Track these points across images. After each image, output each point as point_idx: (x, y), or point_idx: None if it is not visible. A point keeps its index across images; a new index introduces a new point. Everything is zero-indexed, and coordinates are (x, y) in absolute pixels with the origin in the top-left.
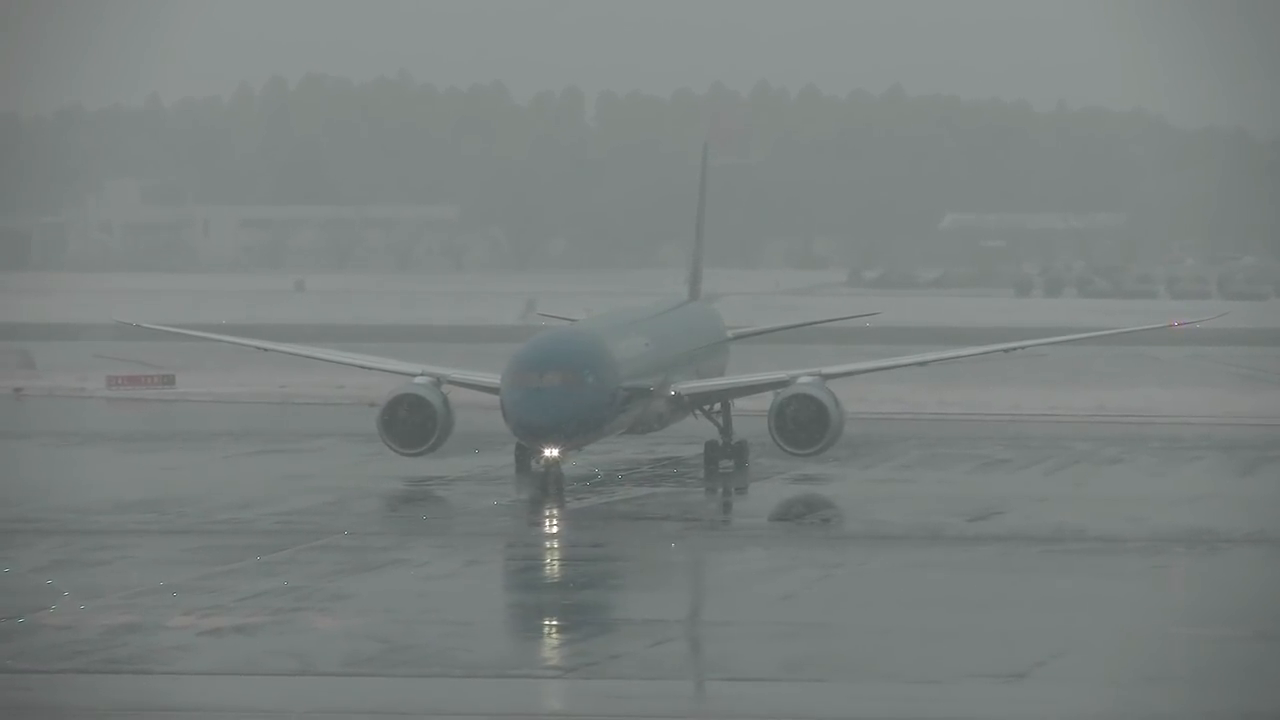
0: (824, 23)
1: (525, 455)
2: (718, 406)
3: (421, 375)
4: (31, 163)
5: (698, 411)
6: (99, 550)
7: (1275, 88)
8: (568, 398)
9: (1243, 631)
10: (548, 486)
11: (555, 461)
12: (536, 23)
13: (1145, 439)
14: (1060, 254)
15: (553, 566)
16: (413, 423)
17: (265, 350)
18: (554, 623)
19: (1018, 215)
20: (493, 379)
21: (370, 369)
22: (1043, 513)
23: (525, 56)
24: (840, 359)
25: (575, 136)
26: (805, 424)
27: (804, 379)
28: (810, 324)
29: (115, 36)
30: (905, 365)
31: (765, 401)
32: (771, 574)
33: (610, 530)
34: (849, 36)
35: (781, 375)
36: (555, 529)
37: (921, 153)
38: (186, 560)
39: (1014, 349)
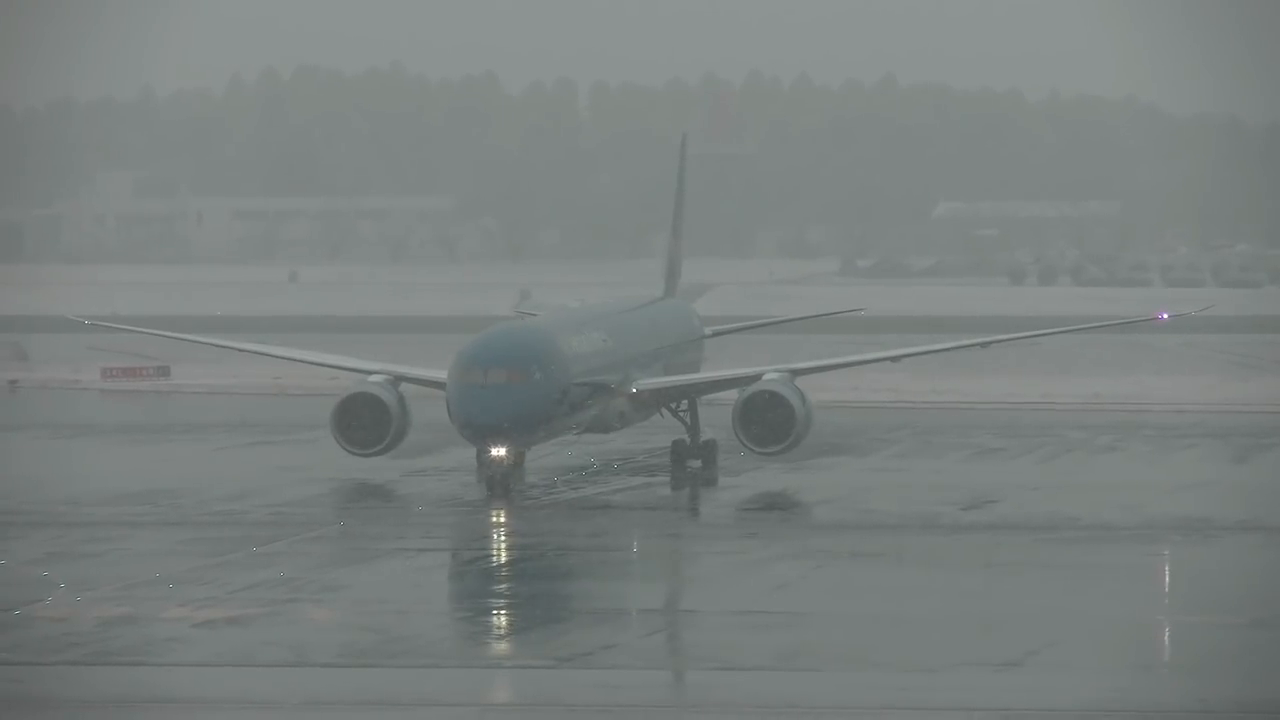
0: (816, 12)
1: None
2: (685, 404)
3: (377, 374)
4: (24, 155)
5: (665, 410)
6: (93, 542)
7: (1267, 74)
8: (514, 395)
9: (1237, 619)
10: (494, 486)
11: (502, 460)
12: (528, 13)
13: (1139, 427)
14: (1054, 242)
15: (548, 557)
16: (367, 423)
17: (220, 347)
18: (548, 613)
19: (1011, 203)
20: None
21: (329, 367)
22: (1036, 501)
23: (517, 47)
24: (828, 350)
25: (568, 126)
26: (771, 422)
27: (770, 375)
28: (790, 320)
29: (108, 29)
30: (877, 360)
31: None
32: (765, 564)
33: (605, 520)
34: (841, 26)
35: (748, 371)
36: (550, 520)
37: (914, 141)
38: (181, 552)
39: (989, 343)
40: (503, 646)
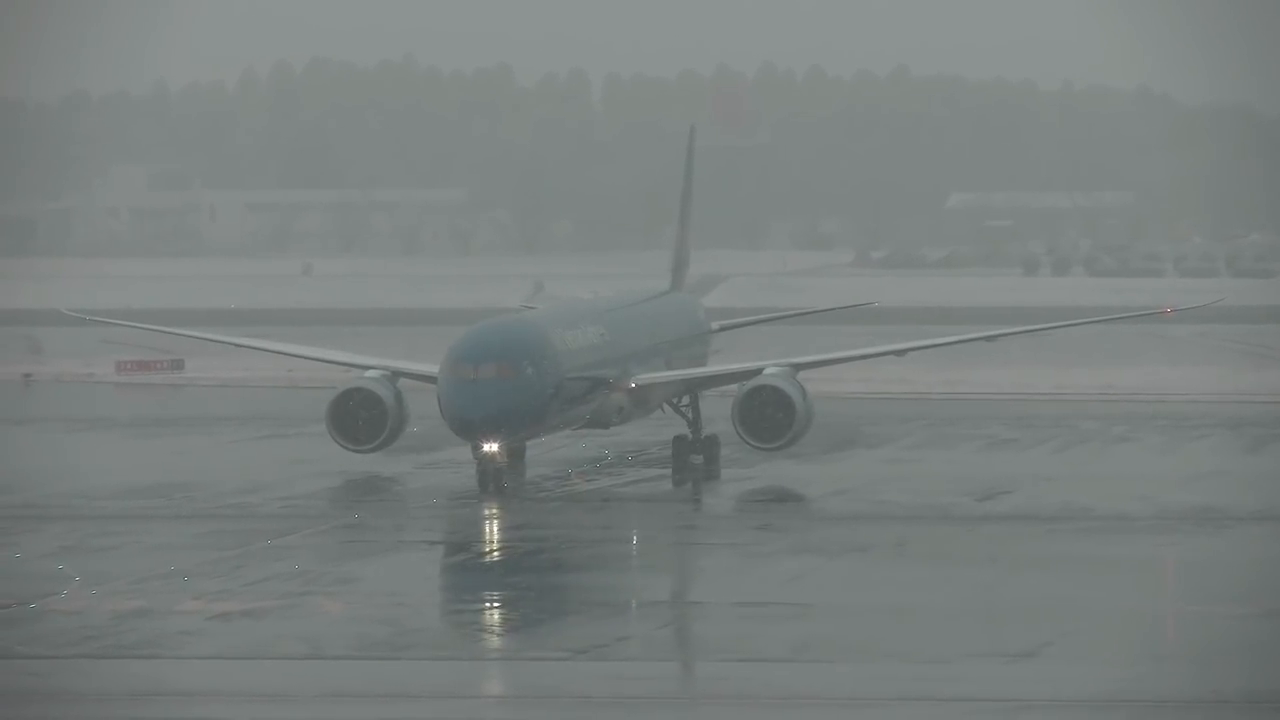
0: (828, 3)
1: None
2: (686, 399)
3: (373, 369)
4: (38, 149)
5: (666, 405)
6: (107, 535)
7: None
8: (504, 390)
9: (1250, 609)
10: (486, 483)
11: (495, 456)
12: (541, 5)
13: (1152, 417)
14: (1067, 233)
15: (561, 549)
16: (363, 418)
17: (217, 342)
18: (562, 605)
19: (1024, 194)
20: None
21: (325, 362)
22: (1050, 492)
23: (530, 39)
24: (839, 343)
25: (581, 118)
26: (770, 417)
27: (771, 370)
28: (797, 314)
29: (121, 23)
30: (882, 354)
31: None
32: (777, 556)
33: (618, 513)
34: (854, 16)
35: (748, 366)
36: (563, 512)
37: (927, 132)
38: (195, 545)
39: (995, 337)
40: (516, 639)
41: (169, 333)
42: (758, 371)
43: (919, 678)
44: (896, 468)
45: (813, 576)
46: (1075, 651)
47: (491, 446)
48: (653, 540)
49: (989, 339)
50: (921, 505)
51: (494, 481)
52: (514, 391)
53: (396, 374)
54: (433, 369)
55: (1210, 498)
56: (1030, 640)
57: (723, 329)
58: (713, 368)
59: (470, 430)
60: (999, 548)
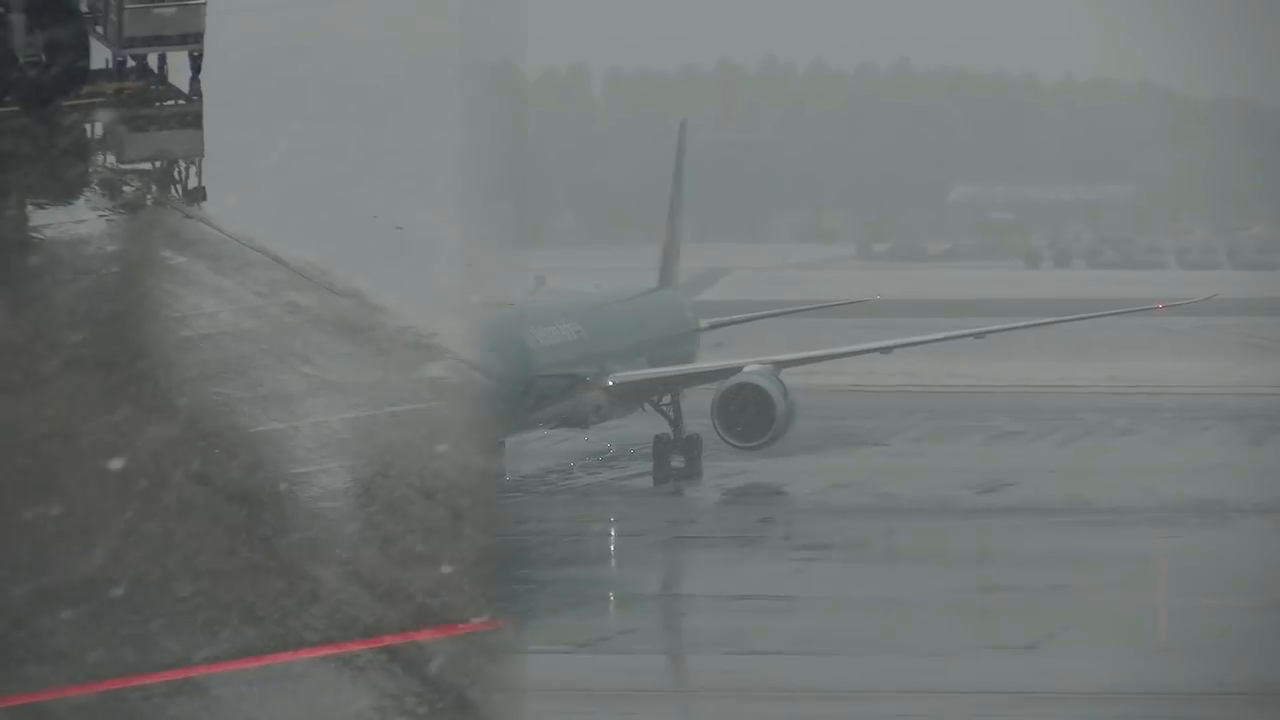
0: None
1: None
2: (667, 398)
3: None
4: None
5: (647, 405)
6: None
7: None
8: None
9: (1255, 601)
10: None
11: None
12: None
13: (1156, 409)
14: (1069, 225)
15: (567, 542)
16: None
17: None
18: (563, 599)
19: (1026, 187)
20: None
21: None
22: (1054, 484)
23: (531, 33)
24: (840, 337)
25: (583, 112)
26: (750, 415)
27: (751, 367)
28: (787, 312)
29: None
30: (867, 351)
31: None
32: (779, 548)
33: (622, 505)
34: (856, 10)
35: (729, 364)
36: (570, 504)
37: (929, 125)
38: None
39: (984, 334)
40: (519, 633)
41: None
42: (738, 369)
43: (921, 670)
44: (900, 460)
45: (814, 569)
46: (1078, 644)
47: None
48: (653, 534)
49: (977, 336)
50: (925, 498)
51: None
52: None
53: None
54: None
55: (1214, 490)
56: (1032, 632)
57: (713, 327)
58: (692, 366)
59: None
60: (1001, 540)
